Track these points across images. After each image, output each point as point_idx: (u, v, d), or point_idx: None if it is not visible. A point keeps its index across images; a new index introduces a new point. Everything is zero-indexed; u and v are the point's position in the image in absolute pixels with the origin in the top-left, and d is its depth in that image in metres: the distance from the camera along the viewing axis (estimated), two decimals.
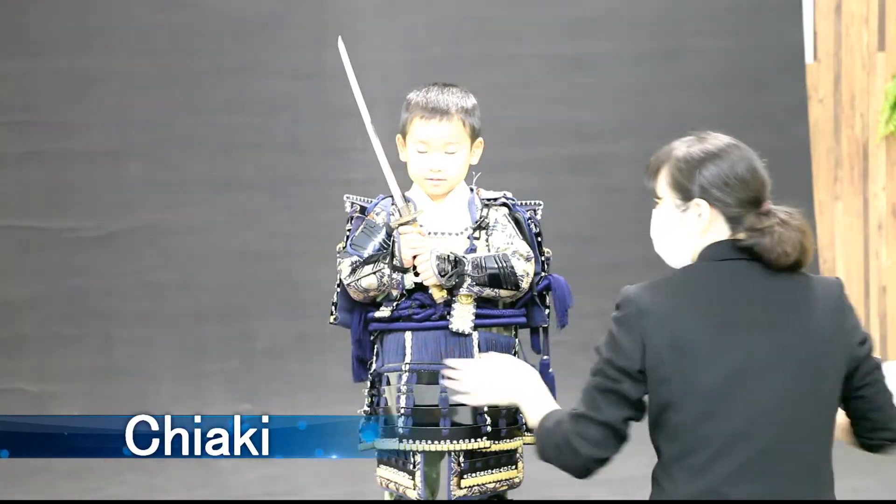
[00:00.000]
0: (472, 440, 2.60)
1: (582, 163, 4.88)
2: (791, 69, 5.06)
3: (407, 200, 2.72)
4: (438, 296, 2.61)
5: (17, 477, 4.26)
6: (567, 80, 4.87)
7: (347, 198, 2.82)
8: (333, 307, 2.78)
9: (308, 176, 4.69)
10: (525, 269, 2.56)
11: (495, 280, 2.56)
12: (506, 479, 2.64)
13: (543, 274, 2.65)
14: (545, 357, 2.67)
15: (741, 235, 2.08)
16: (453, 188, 2.67)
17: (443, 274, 2.54)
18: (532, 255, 2.59)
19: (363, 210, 2.81)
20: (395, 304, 2.66)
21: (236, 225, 4.67)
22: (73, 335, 4.57)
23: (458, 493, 2.60)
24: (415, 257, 2.60)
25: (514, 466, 2.63)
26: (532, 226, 2.66)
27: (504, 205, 2.66)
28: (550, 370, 2.67)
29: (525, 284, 2.57)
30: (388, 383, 2.64)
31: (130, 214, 4.60)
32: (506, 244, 2.58)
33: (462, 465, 2.62)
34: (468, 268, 2.55)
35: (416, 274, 2.60)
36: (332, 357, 4.72)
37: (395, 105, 4.74)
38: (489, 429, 2.58)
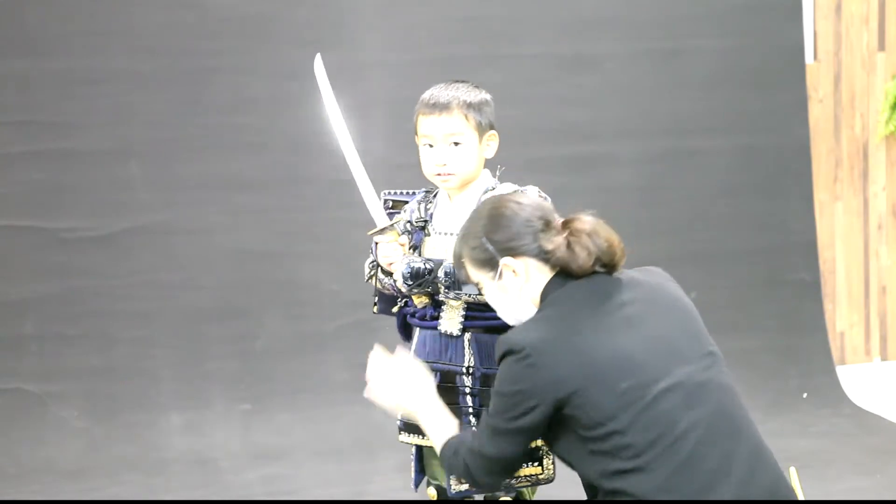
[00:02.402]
0: None
1: (582, 163, 4.88)
2: (791, 69, 5.06)
3: (392, 212, 2.77)
4: (417, 301, 2.68)
5: (18, 477, 4.26)
6: (567, 80, 4.87)
7: (384, 193, 2.85)
8: (375, 297, 2.84)
9: (308, 176, 4.69)
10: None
11: (468, 287, 2.57)
12: (525, 476, 2.64)
13: None
14: None
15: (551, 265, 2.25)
16: (467, 183, 2.68)
17: (409, 284, 2.58)
18: None
19: (395, 205, 2.84)
20: (403, 301, 2.75)
21: (236, 225, 4.67)
22: (73, 335, 4.57)
23: (460, 488, 2.61)
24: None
25: (536, 463, 2.64)
26: None
27: None
28: None
29: None
30: None
31: (130, 214, 4.60)
32: (490, 297, 2.57)
33: None
34: (441, 277, 2.58)
35: None
36: (332, 357, 4.72)
37: (395, 105, 4.79)
38: (474, 429, 2.59)
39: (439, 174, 2.64)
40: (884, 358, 5.35)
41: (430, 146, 2.64)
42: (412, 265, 2.58)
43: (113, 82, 4.55)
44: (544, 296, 2.25)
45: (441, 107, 2.62)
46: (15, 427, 4.47)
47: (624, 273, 2.28)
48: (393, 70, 4.69)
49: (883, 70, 5.21)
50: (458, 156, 2.62)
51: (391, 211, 2.83)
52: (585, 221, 2.27)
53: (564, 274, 2.24)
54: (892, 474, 4.10)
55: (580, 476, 2.20)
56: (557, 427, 2.16)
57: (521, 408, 2.12)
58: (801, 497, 2.27)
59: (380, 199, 2.81)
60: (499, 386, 2.17)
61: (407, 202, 2.80)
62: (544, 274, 2.26)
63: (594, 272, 2.25)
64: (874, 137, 5.23)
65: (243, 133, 4.65)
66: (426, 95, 2.67)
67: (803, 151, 5.11)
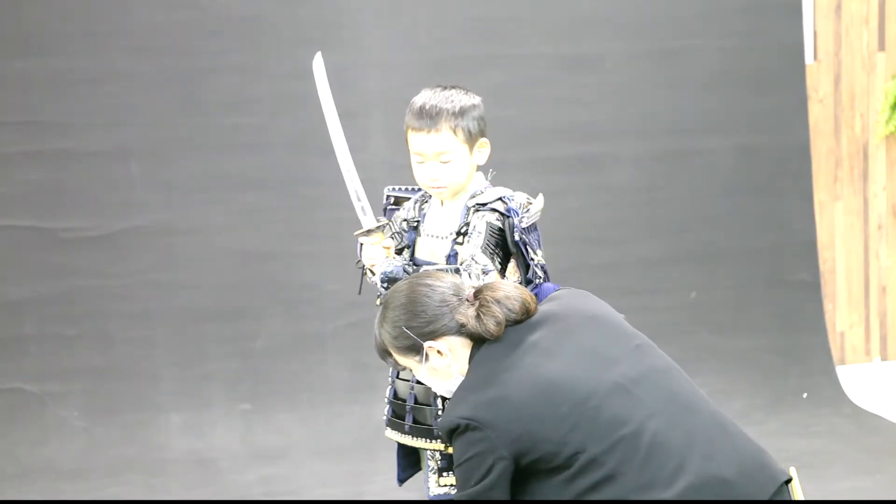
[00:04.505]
0: (429, 441, 2.67)
1: (582, 163, 4.88)
2: (791, 69, 5.06)
3: (393, 208, 2.78)
4: None
5: (18, 477, 4.26)
6: (567, 80, 4.87)
7: (388, 189, 2.86)
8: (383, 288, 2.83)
9: (308, 176, 4.69)
10: (476, 285, 2.53)
11: None
12: None
13: (538, 282, 2.63)
14: None
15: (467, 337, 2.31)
16: (460, 191, 2.67)
17: (385, 289, 2.59)
18: (491, 268, 2.57)
19: (398, 201, 2.84)
20: None
21: (236, 225, 4.67)
22: (73, 335, 4.57)
23: (437, 491, 2.64)
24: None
25: None
26: (517, 234, 2.61)
27: (495, 210, 2.62)
28: None
29: None
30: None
31: (130, 214, 4.60)
32: (469, 255, 2.57)
33: (440, 462, 2.66)
34: None
35: None
36: (332, 357, 4.72)
37: (395, 105, 4.77)
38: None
39: (431, 187, 2.65)
40: (884, 358, 5.35)
41: (421, 162, 2.64)
42: (389, 269, 2.59)
43: (113, 82, 4.55)
44: (472, 359, 2.30)
45: (429, 125, 2.59)
46: (15, 427, 4.47)
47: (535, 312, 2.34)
48: (393, 70, 4.69)
49: (883, 70, 5.21)
50: (449, 171, 2.62)
51: (392, 207, 2.84)
52: (495, 288, 2.32)
53: (481, 340, 2.30)
54: (892, 474, 4.10)
55: None
56: (524, 480, 2.20)
57: (484, 467, 2.16)
58: (800, 497, 2.27)
59: (383, 194, 2.82)
60: (457, 461, 2.21)
61: (409, 198, 2.81)
62: (467, 347, 2.32)
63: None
64: (874, 137, 5.23)
65: (243, 133, 4.65)
66: (414, 108, 2.64)
67: (803, 151, 5.11)
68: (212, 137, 4.63)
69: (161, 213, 4.62)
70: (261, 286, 4.69)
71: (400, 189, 2.86)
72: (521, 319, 2.29)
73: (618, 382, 2.18)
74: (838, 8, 5.14)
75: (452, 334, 2.31)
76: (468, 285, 2.39)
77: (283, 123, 4.66)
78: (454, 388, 2.33)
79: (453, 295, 2.33)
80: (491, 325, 2.27)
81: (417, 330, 2.31)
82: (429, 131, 2.59)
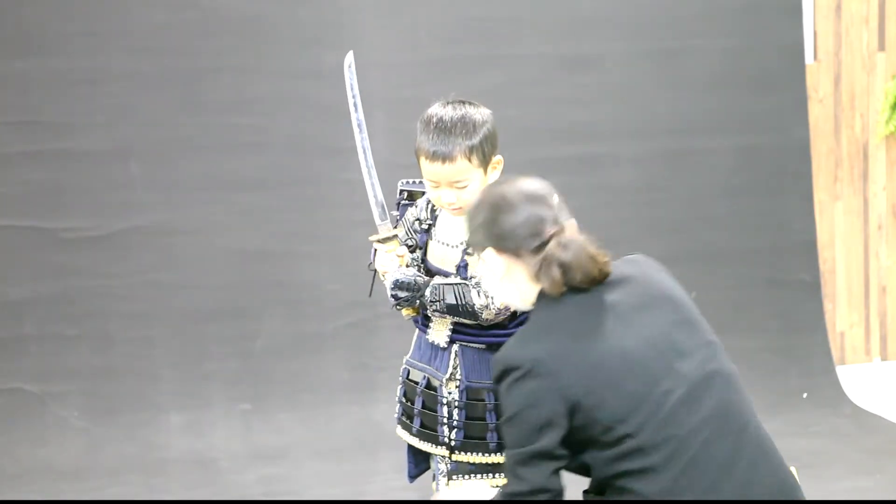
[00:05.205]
0: (434, 446, 2.66)
1: (582, 163, 4.88)
2: (791, 69, 5.06)
3: (407, 204, 2.76)
4: (405, 313, 2.69)
5: (18, 477, 4.26)
6: (567, 80, 4.87)
7: (401, 182, 2.84)
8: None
9: (308, 176, 4.69)
10: (484, 303, 2.53)
11: (453, 310, 2.57)
12: None
13: None
14: None
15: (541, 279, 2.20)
16: None
17: (395, 298, 2.57)
18: None
19: (411, 196, 2.81)
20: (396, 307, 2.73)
21: (236, 225, 4.67)
22: (73, 335, 4.57)
23: (446, 493, 2.64)
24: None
25: None
26: None
27: None
28: None
29: (486, 316, 2.55)
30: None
31: (130, 214, 4.60)
32: (479, 269, 2.52)
33: (449, 466, 2.65)
34: (427, 295, 2.57)
35: None
36: (332, 357, 4.72)
37: (395, 105, 4.79)
38: (447, 440, 2.61)
39: (447, 209, 2.62)
40: (884, 358, 5.35)
41: (436, 186, 2.59)
42: (402, 279, 2.57)
43: (113, 82, 4.55)
44: (536, 301, 2.22)
45: (443, 156, 2.53)
46: (15, 427, 4.47)
47: (612, 268, 2.24)
48: (393, 70, 4.69)
49: (883, 70, 5.21)
50: (466, 195, 2.56)
51: (406, 202, 2.82)
52: (567, 246, 2.19)
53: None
54: (892, 474, 4.10)
55: (592, 478, 2.19)
56: (571, 444, 2.12)
57: (536, 426, 2.06)
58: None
59: (396, 188, 2.80)
60: (506, 412, 2.10)
61: (423, 192, 2.77)
62: (526, 280, 2.22)
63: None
64: (874, 137, 5.23)
65: (243, 133, 4.65)
66: (426, 139, 2.56)
67: (803, 151, 5.11)
68: (212, 137, 4.63)
69: (161, 213, 4.62)
70: (261, 286, 4.69)
71: (414, 182, 2.83)
72: (580, 286, 2.17)
73: (684, 378, 2.11)
74: (838, 8, 5.14)
75: (514, 258, 2.22)
76: (548, 228, 2.22)
77: (283, 123, 4.66)
78: (504, 298, 2.26)
79: (529, 233, 2.21)
80: (546, 284, 2.17)
81: (489, 233, 2.22)
82: (444, 162, 2.53)
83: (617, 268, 2.25)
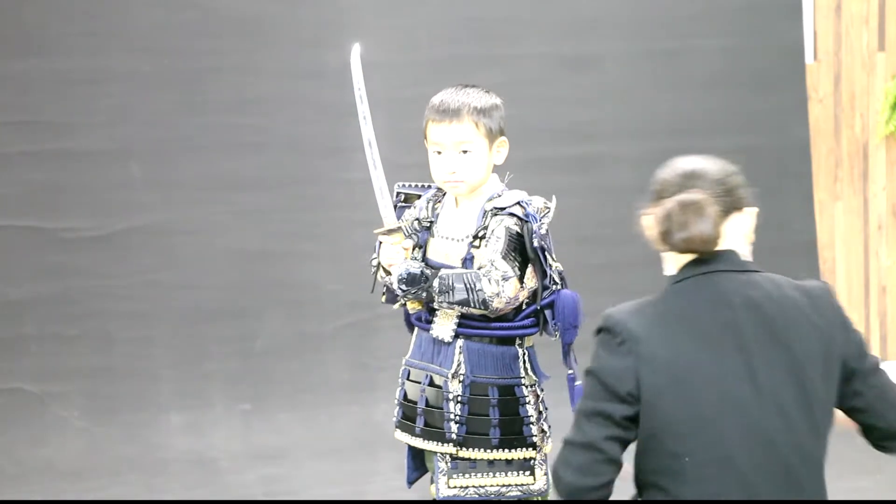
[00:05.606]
0: (439, 444, 2.63)
1: (582, 163, 4.88)
2: (791, 69, 5.06)
3: (403, 206, 2.76)
4: (411, 306, 2.69)
5: (18, 477, 4.26)
6: (567, 80, 4.87)
7: (397, 185, 2.83)
8: (383, 289, 2.79)
9: (308, 176, 4.69)
10: (496, 291, 2.51)
11: (463, 301, 2.54)
12: (516, 485, 2.63)
13: (554, 288, 2.60)
14: (570, 371, 2.65)
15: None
16: (476, 189, 2.65)
17: (403, 291, 2.56)
18: (511, 274, 2.52)
19: (408, 198, 2.82)
20: (401, 303, 2.73)
21: (236, 225, 4.67)
22: (73, 335, 4.57)
23: (447, 493, 2.63)
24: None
25: (527, 473, 2.63)
26: (536, 240, 2.58)
27: (513, 214, 2.59)
28: (577, 383, 2.63)
29: (497, 305, 2.52)
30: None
31: (130, 214, 4.60)
32: (489, 260, 2.53)
33: (449, 465, 2.64)
34: (435, 287, 2.54)
35: None
36: (332, 357, 4.72)
37: (396, 105, 4.79)
38: (454, 436, 2.59)
39: (448, 181, 2.63)
40: (884, 358, 5.35)
41: (440, 153, 2.62)
42: (409, 270, 2.55)
43: (113, 82, 4.55)
44: (678, 273, 2.14)
45: (451, 114, 2.59)
46: (15, 427, 4.47)
47: (760, 278, 2.24)
48: (393, 70, 4.69)
49: (883, 70, 5.21)
50: (468, 163, 2.59)
51: (403, 205, 2.82)
52: (665, 206, 2.19)
53: (698, 261, 2.13)
54: (892, 474, 4.10)
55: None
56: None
57: (609, 391, 2.02)
58: None
59: (392, 191, 2.80)
60: (592, 362, 2.07)
61: (419, 195, 2.78)
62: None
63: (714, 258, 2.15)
64: (874, 137, 5.23)
65: (243, 133, 4.65)
66: (436, 101, 2.63)
67: (803, 151, 5.11)
68: (212, 137, 4.63)
69: (161, 213, 4.62)
70: (261, 286, 4.69)
71: (410, 185, 2.84)
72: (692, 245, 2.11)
73: (768, 440, 2.07)
74: (838, 8, 5.14)
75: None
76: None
77: (283, 123, 4.66)
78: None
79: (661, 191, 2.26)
80: (683, 236, 2.11)
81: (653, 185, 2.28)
82: (451, 121, 2.58)
83: (763, 285, 2.29)
